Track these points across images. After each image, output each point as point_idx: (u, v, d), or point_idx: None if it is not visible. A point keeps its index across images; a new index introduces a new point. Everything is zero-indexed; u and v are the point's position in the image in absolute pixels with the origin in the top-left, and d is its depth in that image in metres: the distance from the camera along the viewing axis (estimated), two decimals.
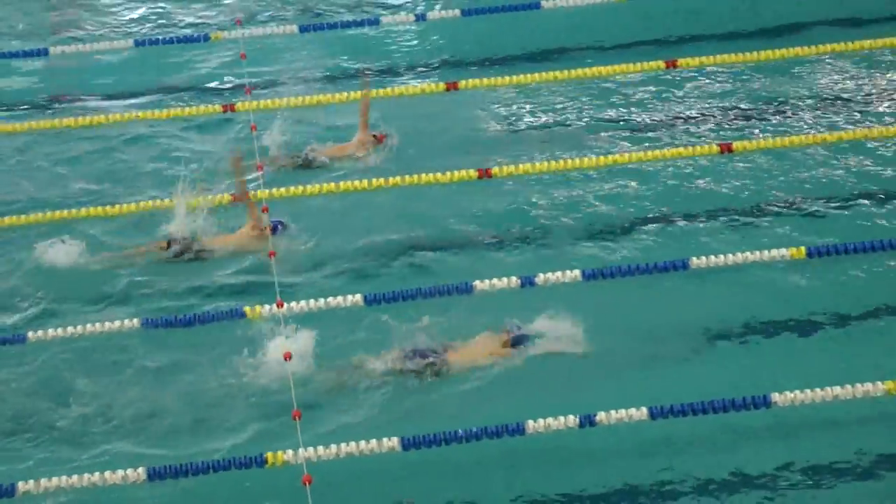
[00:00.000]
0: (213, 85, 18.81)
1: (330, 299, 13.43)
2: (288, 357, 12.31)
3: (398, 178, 15.37)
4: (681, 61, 17.07)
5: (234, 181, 15.34)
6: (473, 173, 15.45)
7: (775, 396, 12.04)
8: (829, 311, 13.76)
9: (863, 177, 15.89)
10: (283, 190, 15.30)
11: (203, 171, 16.37)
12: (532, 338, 13.10)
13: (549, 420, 11.82)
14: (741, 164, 16.16)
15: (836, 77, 18.16)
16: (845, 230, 14.76)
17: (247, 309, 13.38)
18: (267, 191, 15.24)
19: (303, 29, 18.52)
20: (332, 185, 15.47)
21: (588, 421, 11.83)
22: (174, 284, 14.56)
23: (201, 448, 12.21)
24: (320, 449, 11.66)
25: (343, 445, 11.71)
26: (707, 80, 18.23)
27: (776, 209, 15.39)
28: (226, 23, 19.90)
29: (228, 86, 18.67)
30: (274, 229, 14.79)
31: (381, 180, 15.35)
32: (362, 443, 11.76)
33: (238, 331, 13.41)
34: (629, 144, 16.73)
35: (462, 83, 17.07)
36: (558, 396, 12.55)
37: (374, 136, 16.65)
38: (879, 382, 12.09)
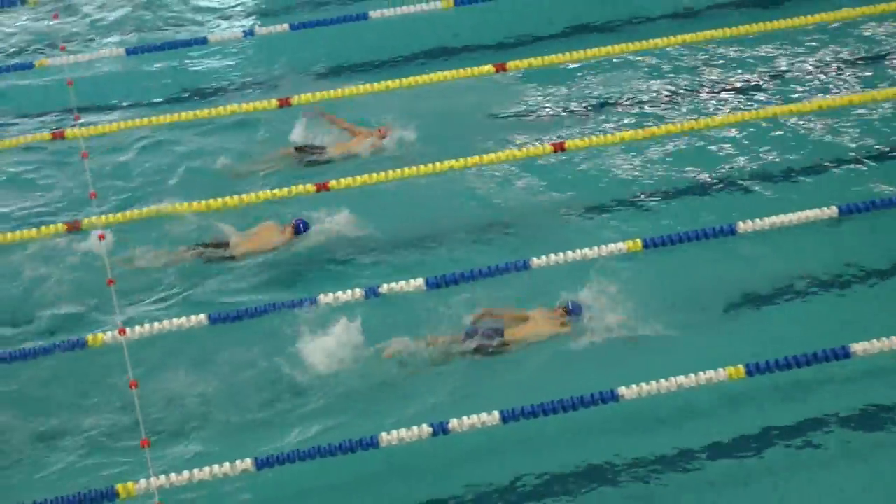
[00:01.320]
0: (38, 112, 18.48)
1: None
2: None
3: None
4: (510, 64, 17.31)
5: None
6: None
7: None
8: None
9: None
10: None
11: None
12: (585, 310, 13.55)
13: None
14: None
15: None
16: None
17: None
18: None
19: (129, 52, 18.35)
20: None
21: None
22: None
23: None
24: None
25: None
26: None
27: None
28: (50, 50, 19.57)
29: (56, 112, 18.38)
30: (297, 229, 15.15)
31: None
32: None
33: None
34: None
35: (294, 98, 17.10)
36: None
37: (380, 131, 16.92)
38: None
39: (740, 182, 16.07)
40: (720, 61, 18.47)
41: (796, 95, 17.54)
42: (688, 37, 17.66)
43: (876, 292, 14.24)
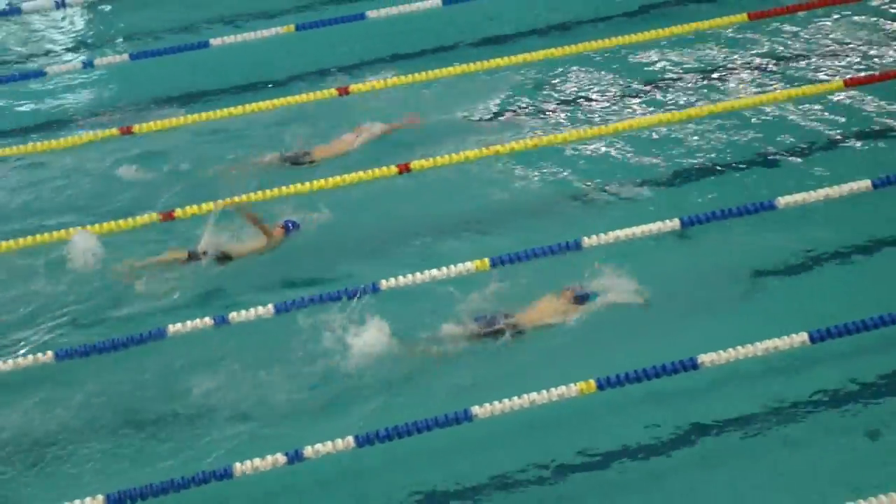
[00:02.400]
0: None
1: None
2: None
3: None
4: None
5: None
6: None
7: None
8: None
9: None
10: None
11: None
12: (594, 294, 13.78)
13: None
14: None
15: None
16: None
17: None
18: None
19: None
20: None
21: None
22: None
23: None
24: None
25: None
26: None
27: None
28: None
29: None
30: (286, 229, 15.27)
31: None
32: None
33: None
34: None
35: (136, 127, 17.02)
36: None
37: (362, 128, 17.08)
38: None
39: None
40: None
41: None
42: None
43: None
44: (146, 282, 14.75)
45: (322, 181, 15.85)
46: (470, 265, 14.32)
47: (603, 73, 18.63)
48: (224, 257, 15.01)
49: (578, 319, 13.73)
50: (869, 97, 17.61)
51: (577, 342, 13.63)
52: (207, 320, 13.85)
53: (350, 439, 12.31)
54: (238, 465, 12.18)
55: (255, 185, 16.03)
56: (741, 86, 18.02)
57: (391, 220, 15.89)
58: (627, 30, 18.99)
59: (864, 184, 15.38)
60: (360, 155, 16.82)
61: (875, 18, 19.51)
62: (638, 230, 14.76)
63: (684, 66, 18.67)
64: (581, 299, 13.80)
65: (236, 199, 15.42)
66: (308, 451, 12.24)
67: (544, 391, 12.61)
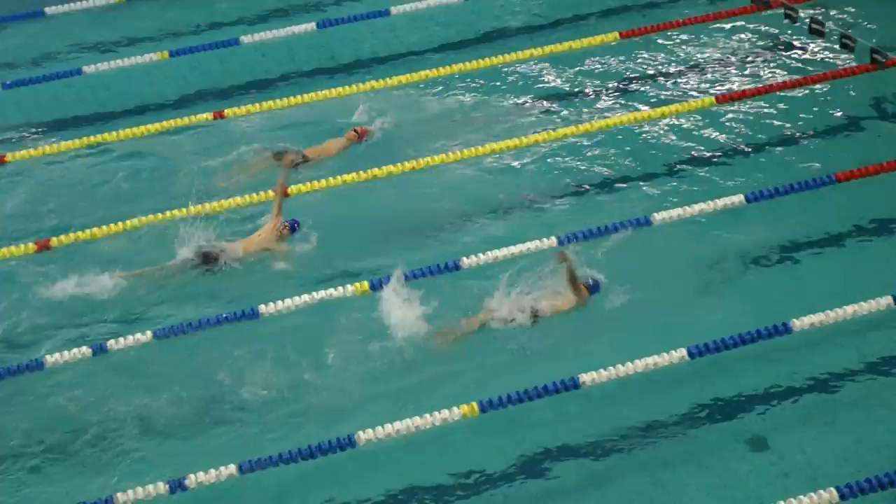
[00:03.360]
0: None
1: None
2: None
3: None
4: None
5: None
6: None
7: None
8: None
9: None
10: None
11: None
12: (602, 284, 14.44)
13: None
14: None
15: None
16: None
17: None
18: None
19: None
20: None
21: None
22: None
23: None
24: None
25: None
26: None
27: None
28: None
29: None
30: (292, 228, 15.59)
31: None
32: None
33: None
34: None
35: (9, 155, 16.75)
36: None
37: (355, 131, 17.43)
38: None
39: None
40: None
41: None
42: None
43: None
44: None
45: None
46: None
47: (476, 94, 18.72)
48: (227, 255, 15.32)
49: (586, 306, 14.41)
50: (740, 113, 17.89)
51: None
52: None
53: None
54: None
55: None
56: (614, 104, 18.18)
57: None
58: (504, 50, 19.20)
59: (738, 198, 15.63)
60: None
61: (744, 36, 19.83)
62: (516, 249, 14.96)
63: (558, 86, 18.79)
64: (592, 289, 14.47)
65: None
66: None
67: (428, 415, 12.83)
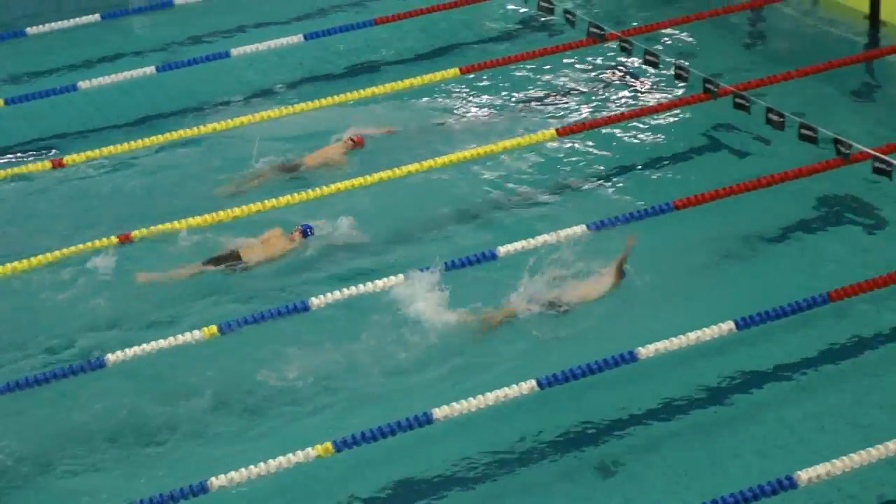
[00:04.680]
0: None
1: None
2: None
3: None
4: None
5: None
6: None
7: None
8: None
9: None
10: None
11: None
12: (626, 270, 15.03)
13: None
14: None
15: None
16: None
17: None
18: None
19: None
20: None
21: None
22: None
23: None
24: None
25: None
26: None
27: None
28: None
29: None
30: (304, 233, 16.00)
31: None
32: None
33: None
34: None
35: None
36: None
37: (352, 139, 17.98)
38: None
39: None
40: None
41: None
42: None
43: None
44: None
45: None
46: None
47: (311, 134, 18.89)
48: (238, 261, 15.78)
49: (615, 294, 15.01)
50: (580, 145, 18.16)
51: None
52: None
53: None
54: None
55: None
56: (455, 139, 18.34)
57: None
58: (345, 89, 19.33)
59: (580, 229, 15.85)
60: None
61: (582, 68, 20.15)
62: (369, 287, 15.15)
63: (404, 122, 18.91)
64: (622, 275, 14.99)
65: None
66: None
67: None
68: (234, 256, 15.84)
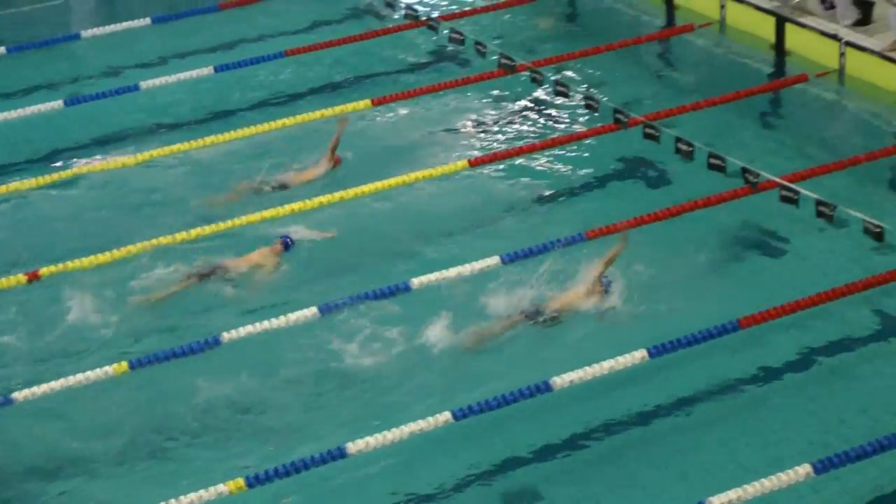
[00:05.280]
0: None
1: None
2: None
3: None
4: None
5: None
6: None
7: None
8: None
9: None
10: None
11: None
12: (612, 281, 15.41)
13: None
14: None
15: None
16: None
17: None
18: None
19: None
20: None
21: None
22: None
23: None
24: None
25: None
26: None
27: None
28: None
29: None
30: (285, 245, 16.31)
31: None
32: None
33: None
34: None
35: None
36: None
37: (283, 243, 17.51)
38: None
39: None
40: None
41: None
42: None
43: None
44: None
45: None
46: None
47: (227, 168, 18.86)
48: (224, 275, 16.05)
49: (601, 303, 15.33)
50: (492, 175, 18.24)
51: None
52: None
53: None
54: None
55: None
56: (370, 169, 18.33)
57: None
58: (256, 121, 19.41)
59: (494, 260, 15.92)
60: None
61: (494, 99, 20.26)
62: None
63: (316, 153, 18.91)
64: (608, 287, 15.36)
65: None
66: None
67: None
68: (218, 271, 16.09)
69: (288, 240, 16.45)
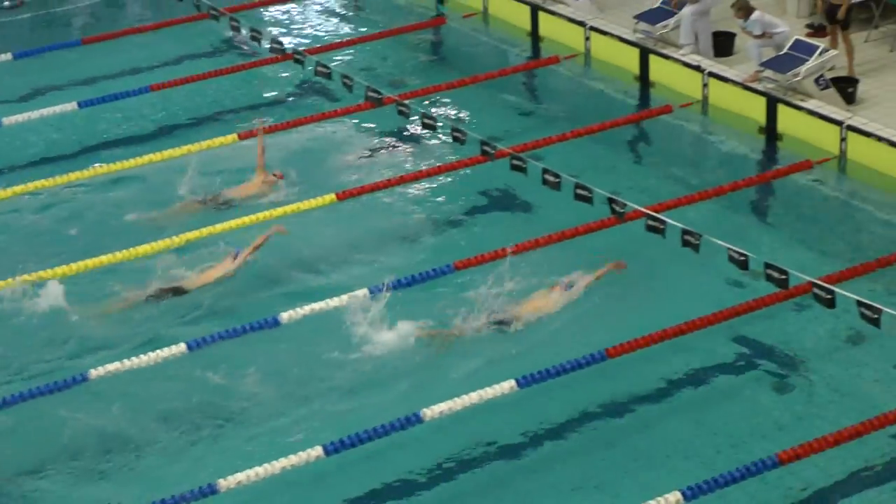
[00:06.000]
0: None
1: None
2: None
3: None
4: None
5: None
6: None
7: None
8: None
9: None
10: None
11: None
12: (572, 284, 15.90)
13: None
14: None
15: None
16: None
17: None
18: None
19: None
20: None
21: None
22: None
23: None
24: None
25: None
26: None
27: None
28: None
29: None
30: (236, 257, 16.64)
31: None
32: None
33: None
34: None
35: None
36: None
37: (274, 174, 18.59)
38: None
39: None
40: None
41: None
42: None
43: None
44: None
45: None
46: None
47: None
48: (179, 290, 16.30)
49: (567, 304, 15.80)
50: (360, 208, 18.19)
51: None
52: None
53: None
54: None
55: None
56: (234, 205, 18.22)
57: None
58: (121, 157, 19.26)
59: (363, 292, 15.88)
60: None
61: (362, 132, 20.24)
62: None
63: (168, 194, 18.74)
64: (568, 288, 15.82)
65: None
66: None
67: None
68: (173, 284, 16.34)
69: (238, 252, 16.60)
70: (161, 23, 23.81)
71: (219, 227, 17.34)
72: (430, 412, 13.95)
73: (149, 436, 14.22)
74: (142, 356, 14.91)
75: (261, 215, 17.57)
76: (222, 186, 18.45)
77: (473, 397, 14.11)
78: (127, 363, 14.81)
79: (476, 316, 15.51)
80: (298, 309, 15.67)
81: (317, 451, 13.50)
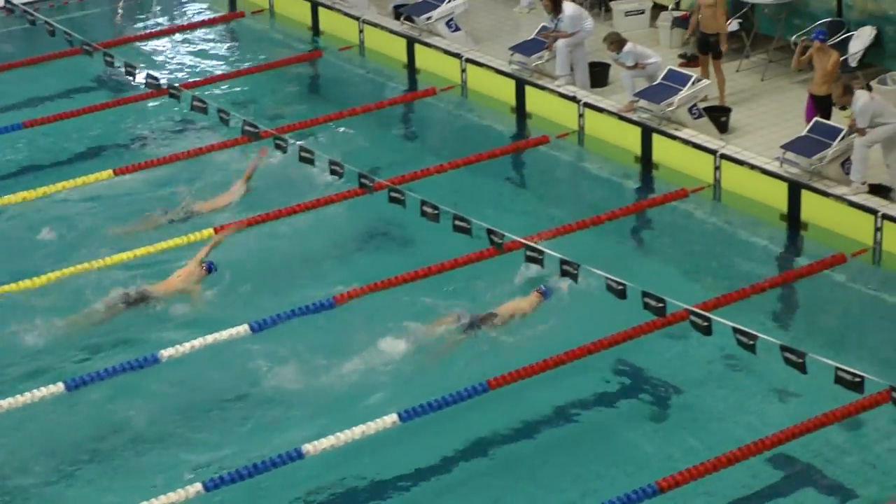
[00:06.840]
0: None
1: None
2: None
3: None
4: None
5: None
6: None
7: None
8: None
9: None
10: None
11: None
12: (553, 290, 16.40)
13: None
14: None
15: None
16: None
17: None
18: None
19: None
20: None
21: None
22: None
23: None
24: None
25: None
26: None
27: None
28: None
29: None
30: (209, 269, 16.81)
31: None
32: None
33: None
34: None
35: None
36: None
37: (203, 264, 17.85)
38: None
39: None
40: None
41: None
42: None
43: None
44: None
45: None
46: None
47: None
48: (144, 298, 16.44)
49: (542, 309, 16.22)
50: (236, 243, 18.09)
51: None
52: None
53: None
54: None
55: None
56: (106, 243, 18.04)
57: None
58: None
59: (244, 328, 15.82)
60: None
61: (237, 168, 20.18)
62: None
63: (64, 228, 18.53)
64: (546, 295, 16.26)
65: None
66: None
67: None
68: (141, 294, 16.49)
69: (211, 265, 16.79)
70: (34, 58, 23.56)
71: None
72: (313, 448, 13.92)
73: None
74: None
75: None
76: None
77: (356, 432, 14.08)
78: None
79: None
80: (174, 349, 15.54)
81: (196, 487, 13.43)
